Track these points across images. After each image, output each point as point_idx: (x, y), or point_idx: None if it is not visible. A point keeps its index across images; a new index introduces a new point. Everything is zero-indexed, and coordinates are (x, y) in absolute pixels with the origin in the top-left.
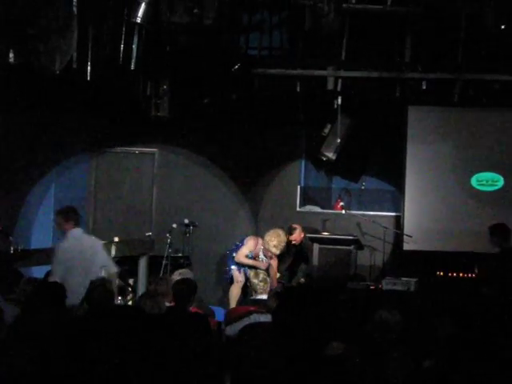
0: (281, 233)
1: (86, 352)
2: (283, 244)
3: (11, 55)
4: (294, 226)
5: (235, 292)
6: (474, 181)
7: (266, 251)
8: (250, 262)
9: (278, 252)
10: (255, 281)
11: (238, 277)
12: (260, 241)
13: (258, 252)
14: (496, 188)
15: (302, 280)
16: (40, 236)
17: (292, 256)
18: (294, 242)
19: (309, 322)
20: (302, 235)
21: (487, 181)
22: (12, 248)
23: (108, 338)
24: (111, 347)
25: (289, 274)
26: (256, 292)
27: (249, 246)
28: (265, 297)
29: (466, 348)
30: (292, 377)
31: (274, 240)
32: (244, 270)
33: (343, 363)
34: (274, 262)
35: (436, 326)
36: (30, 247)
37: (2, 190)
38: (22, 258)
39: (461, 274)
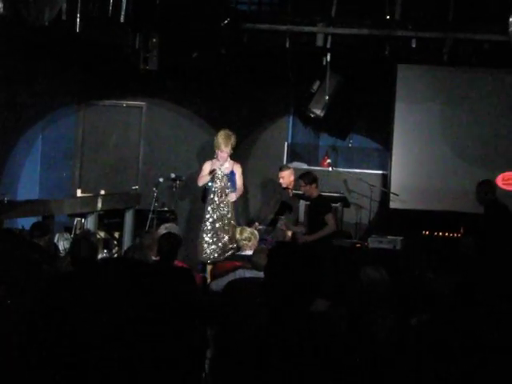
0: None
1: (72, 308)
2: (230, 141)
3: (0, 6)
4: (288, 165)
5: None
6: (460, 139)
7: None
8: (209, 176)
9: (223, 146)
10: (238, 237)
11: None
12: (215, 161)
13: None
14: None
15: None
16: (26, 189)
17: (278, 202)
18: (281, 181)
19: (296, 278)
20: (292, 178)
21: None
22: None
23: (94, 292)
24: (97, 302)
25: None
26: (239, 249)
27: (203, 168)
28: (250, 252)
29: (454, 306)
30: (276, 332)
31: None
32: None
33: (328, 320)
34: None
35: (424, 283)
36: (16, 199)
37: None
38: (8, 209)
39: (447, 234)
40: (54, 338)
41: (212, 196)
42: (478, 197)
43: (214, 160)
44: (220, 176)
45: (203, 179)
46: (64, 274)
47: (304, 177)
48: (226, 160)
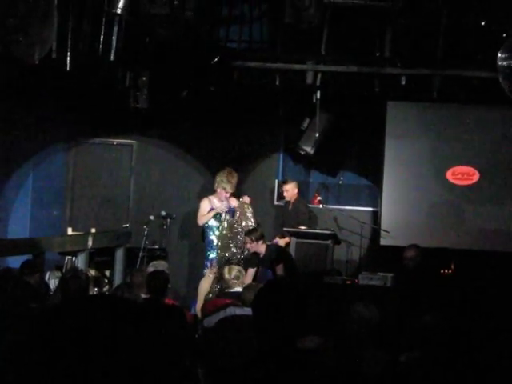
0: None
1: (61, 342)
2: (234, 180)
3: None
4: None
5: (204, 286)
6: (449, 175)
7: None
8: (210, 214)
9: (229, 187)
10: (228, 277)
11: (210, 271)
12: (212, 198)
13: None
14: (471, 182)
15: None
16: (17, 226)
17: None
18: (285, 194)
19: (285, 315)
20: (296, 191)
21: (462, 175)
22: None
23: (84, 328)
24: (87, 338)
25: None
26: (228, 287)
27: (202, 206)
28: (239, 289)
29: (444, 342)
30: (265, 369)
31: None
32: (216, 262)
33: (318, 357)
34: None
35: (414, 320)
36: (6, 237)
37: None
38: None
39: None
40: (40, 376)
41: (221, 232)
42: (406, 263)
43: (211, 197)
44: (224, 213)
45: (204, 218)
46: (51, 310)
47: (251, 234)
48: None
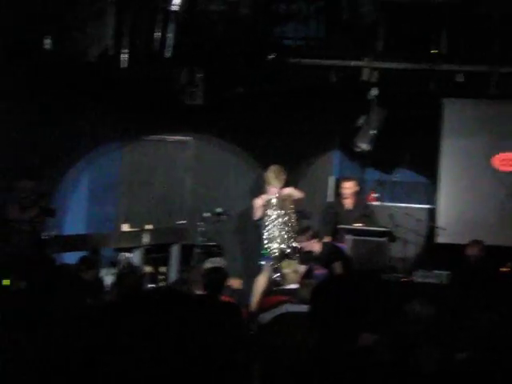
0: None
1: (118, 338)
2: (283, 177)
3: (47, 42)
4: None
5: (260, 282)
6: (507, 172)
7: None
8: (262, 208)
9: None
10: (287, 271)
11: (266, 268)
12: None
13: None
14: None
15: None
16: (73, 223)
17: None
18: (345, 192)
19: (346, 312)
20: (357, 189)
21: None
22: (45, 234)
23: (139, 322)
24: (142, 333)
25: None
26: (286, 282)
27: (256, 201)
28: (294, 286)
29: (501, 342)
30: (322, 366)
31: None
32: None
33: (372, 355)
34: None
35: (472, 319)
36: (63, 233)
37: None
38: (55, 244)
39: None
40: (99, 371)
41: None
42: (467, 260)
43: (263, 196)
44: (275, 202)
45: (258, 211)
46: (109, 305)
47: (304, 232)
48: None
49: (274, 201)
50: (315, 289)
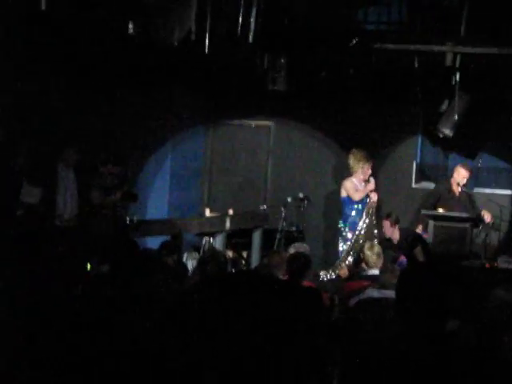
0: None
1: (203, 321)
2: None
3: (130, 27)
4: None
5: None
6: None
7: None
8: (367, 188)
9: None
10: (369, 253)
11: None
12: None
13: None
14: None
15: None
16: (156, 208)
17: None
18: (462, 178)
19: (429, 300)
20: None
21: None
22: (128, 218)
23: (224, 304)
24: (227, 314)
25: None
26: (367, 265)
27: (348, 185)
28: (376, 272)
29: None
30: (409, 352)
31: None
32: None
33: (457, 341)
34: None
35: None
36: (145, 218)
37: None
38: (138, 228)
39: None
40: (182, 355)
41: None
42: None
43: (352, 179)
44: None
45: (361, 193)
46: (193, 288)
47: (390, 217)
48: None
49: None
50: (401, 275)
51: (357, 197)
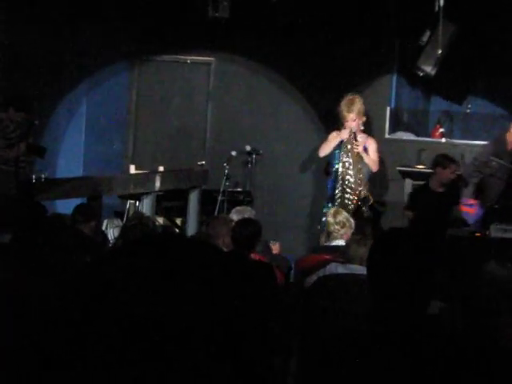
0: None
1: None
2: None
3: None
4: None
5: None
6: None
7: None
8: (333, 142)
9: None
10: (331, 220)
11: None
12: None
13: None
14: None
15: None
16: (68, 164)
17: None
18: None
19: (407, 275)
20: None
21: None
22: (34, 176)
23: (148, 276)
24: (153, 290)
25: None
26: (330, 236)
27: (328, 137)
28: (341, 243)
29: None
30: (382, 338)
31: None
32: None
33: (440, 325)
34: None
35: None
36: (55, 176)
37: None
38: (46, 189)
39: None
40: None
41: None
42: None
43: (342, 130)
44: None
45: (326, 147)
46: (111, 253)
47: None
48: (359, 131)
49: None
50: (373, 245)
51: (321, 152)
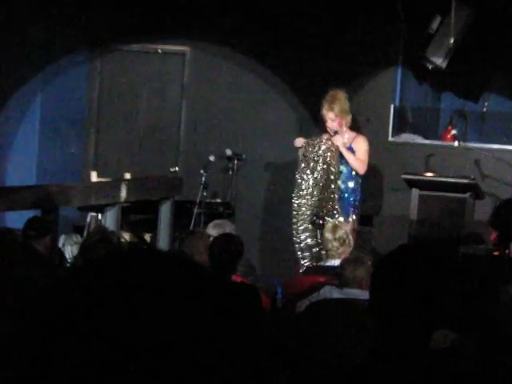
0: None
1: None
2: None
3: None
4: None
5: None
6: None
7: None
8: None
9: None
10: (329, 236)
11: None
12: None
13: None
14: None
15: None
16: (19, 171)
17: None
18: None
19: (413, 301)
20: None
21: None
22: None
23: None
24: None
25: None
26: (327, 254)
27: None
28: (337, 263)
29: None
30: (382, 374)
31: None
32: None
33: (455, 358)
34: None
35: None
36: (4, 185)
37: None
38: None
39: None
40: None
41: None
42: None
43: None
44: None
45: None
46: (71, 273)
47: None
48: (343, 131)
49: (322, 148)
50: (379, 265)
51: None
